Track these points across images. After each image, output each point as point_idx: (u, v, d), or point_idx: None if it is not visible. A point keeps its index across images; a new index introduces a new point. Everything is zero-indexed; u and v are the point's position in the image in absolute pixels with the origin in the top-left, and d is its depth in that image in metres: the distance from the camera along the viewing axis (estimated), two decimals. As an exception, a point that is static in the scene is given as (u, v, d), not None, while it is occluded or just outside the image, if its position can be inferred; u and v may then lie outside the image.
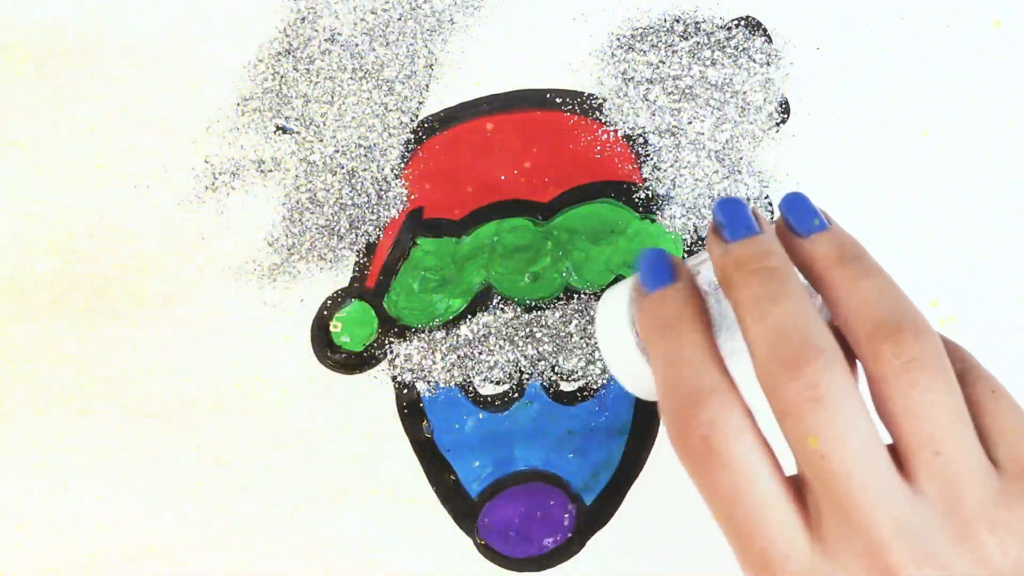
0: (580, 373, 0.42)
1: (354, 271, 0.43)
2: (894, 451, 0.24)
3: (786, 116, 0.43)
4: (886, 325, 0.24)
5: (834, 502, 0.23)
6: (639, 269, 0.29)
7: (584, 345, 0.42)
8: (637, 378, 0.31)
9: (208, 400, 0.43)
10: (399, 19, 0.44)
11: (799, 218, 0.28)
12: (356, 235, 0.43)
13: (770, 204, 0.43)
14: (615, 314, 0.31)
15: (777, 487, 0.24)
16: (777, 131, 0.43)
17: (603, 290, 0.32)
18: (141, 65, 0.44)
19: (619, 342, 0.30)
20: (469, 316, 0.43)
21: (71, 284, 0.44)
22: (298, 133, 0.44)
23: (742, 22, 0.44)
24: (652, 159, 0.43)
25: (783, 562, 0.24)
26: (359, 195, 0.43)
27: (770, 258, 0.26)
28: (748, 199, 0.43)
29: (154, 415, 0.43)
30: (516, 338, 0.42)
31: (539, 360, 0.42)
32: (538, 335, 0.42)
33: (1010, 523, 0.24)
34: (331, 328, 0.43)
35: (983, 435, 0.25)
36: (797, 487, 0.25)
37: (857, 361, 0.26)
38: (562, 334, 0.42)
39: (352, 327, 0.43)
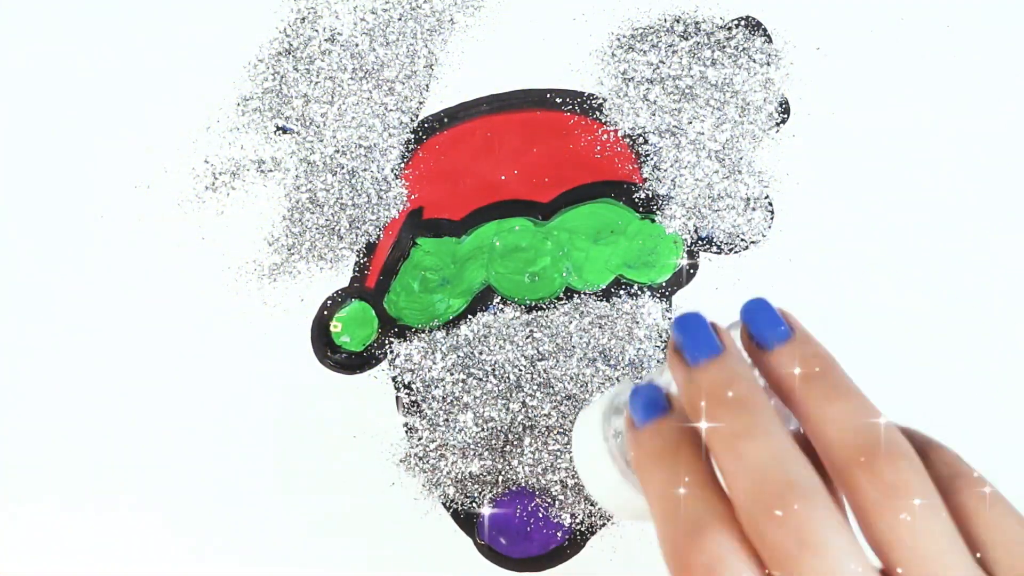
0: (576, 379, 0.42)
1: (354, 271, 0.43)
2: None
3: (786, 116, 0.43)
4: (859, 453, 0.24)
5: None
6: (631, 405, 0.27)
7: (584, 345, 0.42)
8: (621, 506, 0.30)
9: (208, 400, 0.43)
10: (399, 19, 0.44)
11: (761, 330, 0.27)
12: (356, 235, 0.43)
13: (770, 204, 0.43)
14: (591, 443, 0.29)
15: None
16: (777, 131, 0.43)
17: (576, 414, 0.30)
18: (141, 65, 0.44)
19: (598, 469, 0.29)
20: (469, 316, 0.43)
21: (72, 284, 0.44)
22: (298, 133, 0.44)
23: (742, 22, 0.44)
24: (652, 159, 0.43)
25: None
26: (359, 195, 0.43)
27: (737, 384, 0.25)
28: (748, 199, 0.43)
29: (154, 414, 0.43)
30: (516, 338, 0.42)
31: (539, 360, 0.42)
32: (538, 335, 0.42)
33: None
34: (331, 328, 0.43)
35: (978, 547, 0.24)
36: None
37: None
38: (562, 334, 0.42)
39: (352, 327, 0.43)
